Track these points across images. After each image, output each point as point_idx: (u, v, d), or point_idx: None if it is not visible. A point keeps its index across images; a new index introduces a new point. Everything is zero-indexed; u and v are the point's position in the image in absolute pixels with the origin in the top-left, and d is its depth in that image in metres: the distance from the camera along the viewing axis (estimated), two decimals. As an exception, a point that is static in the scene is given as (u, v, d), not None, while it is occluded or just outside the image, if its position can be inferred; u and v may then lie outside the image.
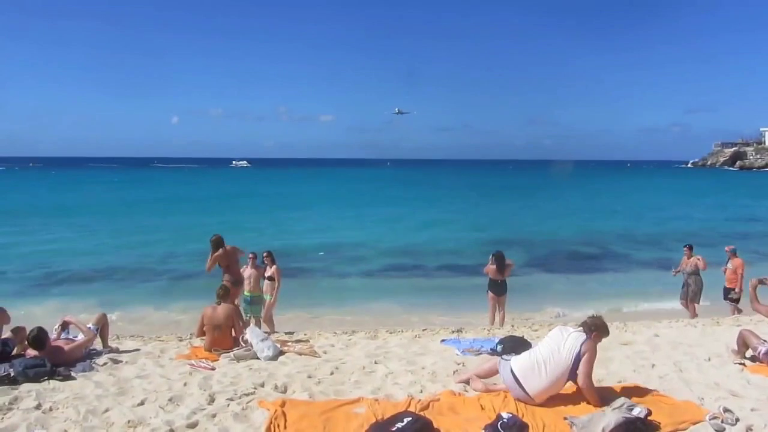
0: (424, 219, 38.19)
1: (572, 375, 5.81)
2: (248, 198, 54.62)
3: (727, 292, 12.60)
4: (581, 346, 5.79)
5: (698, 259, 12.69)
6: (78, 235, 28.91)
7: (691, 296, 12.66)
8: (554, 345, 5.91)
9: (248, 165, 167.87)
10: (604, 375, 6.85)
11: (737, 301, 12.39)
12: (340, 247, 26.45)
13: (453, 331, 9.98)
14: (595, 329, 5.92)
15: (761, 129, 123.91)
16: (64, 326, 7.89)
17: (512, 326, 10.93)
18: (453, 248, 26.32)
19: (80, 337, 7.77)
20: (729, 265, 12.58)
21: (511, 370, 5.90)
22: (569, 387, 5.99)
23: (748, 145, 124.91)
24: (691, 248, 13.00)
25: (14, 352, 7.39)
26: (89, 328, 7.86)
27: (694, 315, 12.45)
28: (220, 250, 10.38)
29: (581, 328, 6.02)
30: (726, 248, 12.92)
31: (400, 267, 22.78)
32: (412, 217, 39.14)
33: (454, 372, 7.03)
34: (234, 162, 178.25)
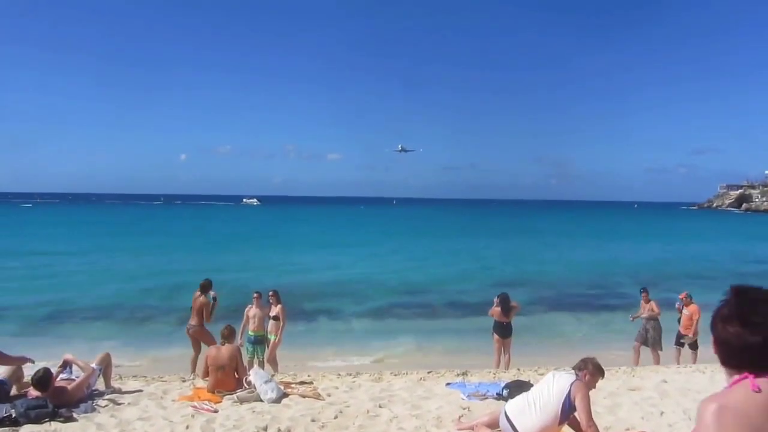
0: (430, 257, 38.14)
1: (564, 417, 5.70)
2: (259, 236, 54.72)
3: (680, 337, 12.25)
4: (570, 386, 5.67)
5: (654, 304, 12.35)
6: (85, 273, 28.91)
7: (652, 342, 12.19)
8: (544, 386, 5.87)
9: (258, 203, 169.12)
10: (613, 422, 6.76)
11: (694, 347, 12.08)
12: (345, 287, 26.37)
13: (458, 374, 9.86)
14: (586, 369, 5.85)
15: (767, 172, 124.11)
16: (64, 365, 7.84)
17: (518, 369, 10.80)
18: (459, 287, 26.21)
19: (81, 375, 7.70)
20: (685, 311, 12.21)
21: (505, 413, 5.85)
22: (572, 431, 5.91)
23: (753, 187, 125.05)
24: (647, 292, 12.59)
25: (14, 392, 7.35)
26: (92, 367, 7.81)
27: (658, 361, 12.05)
28: (196, 293, 10.90)
29: (573, 370, 5.99)
30: (681, 294, 12.53)
31: (405, 306, 22.67)
32: (418, 256, 39.07)
33: (459, 417, 6.94)
34: (245, 200, 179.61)
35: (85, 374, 7.56)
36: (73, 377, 7.63)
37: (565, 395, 5.66)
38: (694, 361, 11.82)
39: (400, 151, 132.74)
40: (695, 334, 11.98)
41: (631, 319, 12.90)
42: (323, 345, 15.54)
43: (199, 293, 10.82)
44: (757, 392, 1.75)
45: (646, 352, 12.32)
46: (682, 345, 12.24)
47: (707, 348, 11.64)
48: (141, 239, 47.43)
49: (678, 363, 11.82)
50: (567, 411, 5.65)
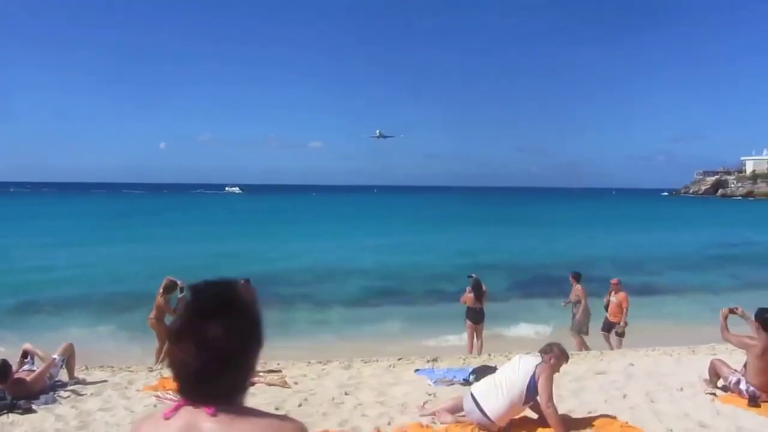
0: (407, 244, 38.13)
1: (529, 398, 5.83)
2: (242, 224, 54.43)
3: (608, 324, 11.89)
4: (535, 368, 5.85)
5: (580, 290, 11.93)
6: (58, 262, 28.41)
7: (576, 327, 11.77)
8: (510, 369, 6.02)
9: (241, 191, 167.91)
10: (576, 405, 6.81)
11: (622, 335, 11.74)
12: (323, 273, 26.30)
13: (428, 360, 9.86)
14: (551, 353, 5.97)
15: (742, 158, 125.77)
16: (25, 355, 7.69)
17: (489, 355, 10.84)
18: (437, 273, 26.21)
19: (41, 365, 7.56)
20: (613, 299, 11.83)
21: (471, 395, 5.92)
22: (533, 414, 5.99)
23: (729, 173, 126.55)
24: (575, 277, 12.15)
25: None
26: (54, 358, 7.65)
27: (581, 347, 11.57)
28: (160, 290, 10.75)
29: (540, 353, 6.11)
30: (612, 281, 12.16)
31: (382, 293, 22.64)
32: (396, 243, 39.07)
33: (423, 404, 6.94)
34: (227, 188, 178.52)
35: (45, 364, 7.41)
36: (35, 368, 7.50)
37: (530, 377, 5.81)
38: (619, 347, 11.55)
39: (378, 137, 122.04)
40: (626, 322, 11.70)
41: (563, 304, 12.50)
42: (298, 332, 15.47)
43: (161, 291, 10.65)
44: (167, 419, 1.46)
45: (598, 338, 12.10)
46: (608, 331, 11.91)
47: (635, 336, 11.61)
48: (125, 230, 46.66)
49: (612, 348, 11.52)
50: (532, 392, 5.79)
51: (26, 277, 23.79)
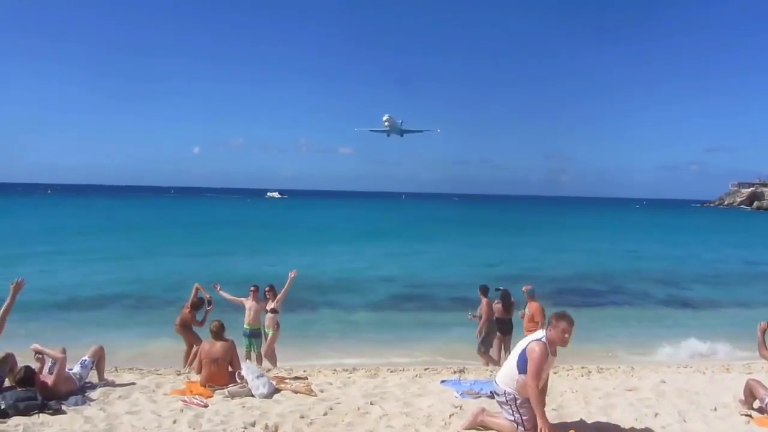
0: (436, 253, 38.06)
1: (520, 369, 5.88)
2: (275, 230, 54.96)
3: None
4: (527, 344, 5.89)
5: (488, 304, 11.33)
6: (94, 263, 28.90)
7: (479, 343, 11.25)
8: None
9: (281, 196, 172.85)
10: (605, 423, 6.66)
11: None
12: (350, 280, 26.42)
13: (455, 371, 9.76)
14: (550, 325, 5.86)
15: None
16: (39, 353, 7.74)
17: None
18: (465, 282, 26.04)
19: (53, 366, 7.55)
20: (526, 310, 10.72)
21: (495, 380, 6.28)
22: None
23: (766, 185, 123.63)
24: (483, 291, 11.52)
25: (6, 383, 7.30)
26: (59, 356, 7.56)
27: (487, 363, 11.23)
28: (188, 304, 10.94)
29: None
30: (523, 288, 10.96)
31: (409, 299, 22.68)
32: (424, 251, 39.04)
33: (450, 416, 6.86)
34: (269, 193, 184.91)
35: (59, 364, 7.37)
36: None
37: (521, 350, 5.94)
38: None
39: (388, 130, 73.37)
40: None
41: (469, 317, 11.78)
42: (322, 338, 15.51)
43: (189, 307, 10.86)
44: None
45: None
46: None
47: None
48: (189, 236, 46.93)
49: None
50: (520, 365, 5.88)
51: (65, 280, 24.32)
